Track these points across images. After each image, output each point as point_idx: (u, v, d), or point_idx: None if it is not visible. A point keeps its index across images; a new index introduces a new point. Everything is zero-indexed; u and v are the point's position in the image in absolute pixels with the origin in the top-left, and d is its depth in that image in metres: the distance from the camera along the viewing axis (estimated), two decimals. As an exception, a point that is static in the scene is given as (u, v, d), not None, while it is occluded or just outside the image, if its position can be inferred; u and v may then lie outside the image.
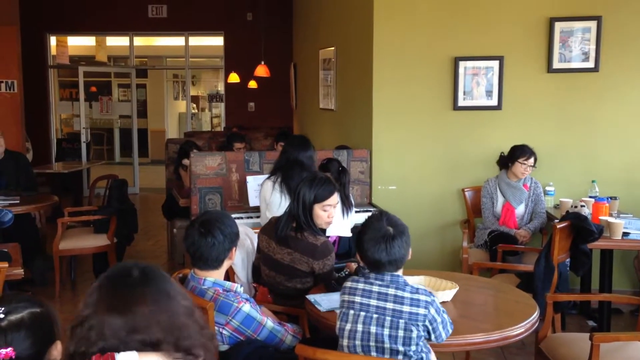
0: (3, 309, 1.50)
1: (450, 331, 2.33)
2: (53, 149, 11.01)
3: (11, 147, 6.19)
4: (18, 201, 5.16)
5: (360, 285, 2.32)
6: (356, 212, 4.35)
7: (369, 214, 4.65)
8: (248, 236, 3.65)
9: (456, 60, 4.96)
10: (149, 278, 1.57)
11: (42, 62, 10.85)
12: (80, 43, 13.03)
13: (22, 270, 3.39)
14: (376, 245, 2.27)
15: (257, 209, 4.49)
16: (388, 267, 2.29)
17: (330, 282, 3.03)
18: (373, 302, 2.27)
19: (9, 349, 1.46)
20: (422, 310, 2.22)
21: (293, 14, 9.45)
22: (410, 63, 5.02)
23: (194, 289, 2.57)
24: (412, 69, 5.03)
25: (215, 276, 2.60)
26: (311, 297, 2.86)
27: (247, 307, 2.51)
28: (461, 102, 5.01)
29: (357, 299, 2.30)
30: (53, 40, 11.15)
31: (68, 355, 1.51)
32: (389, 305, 2.24)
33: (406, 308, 2.22)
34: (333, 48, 6.16)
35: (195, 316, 1.61)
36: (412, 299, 2.24)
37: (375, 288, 2.28)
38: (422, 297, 2.25)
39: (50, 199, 5.55)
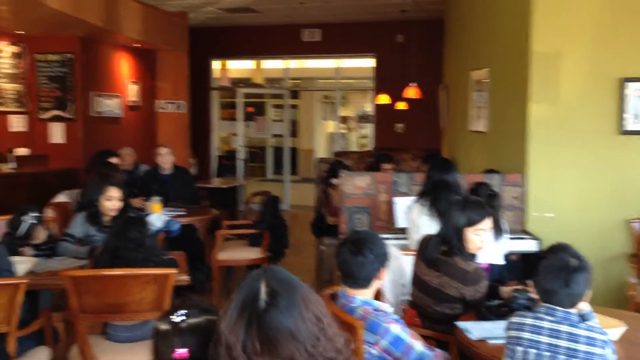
0: (184, 311, 1.61)
1: None
2: (213, 166, 11.81)
3: (178, 163, 6.73)
4: (184, 213, 5.59)
5: (529, 321, 2.21)
6: (509, 239, 4.19)
7: (522, 241, 4.53)
8: (396, 257, 3.65)
9: (623, 81, 4.63)
10: (275, 306, 1.45)
11: (206, 84, 11.73)
12: (239, 67, 13.92)
13: (188, 277, 3.65)
14: (555, 274, 2.17)
15: (404, 230, 4.48)
16: (562, 301, 2.17)
17: (481, 310, 2.94)
18: (544, 339, 2.15)
19: (184, 350, 1.56)
20: (598, 350, 2.09)
21: (444, 35, 9.37)
22: (570, 83, 4.76)
23: (344, 306, 2.62)
24: (572, 89, 4.76)
25: (364, 295, 2.63)
26: (461, 324, 2.79)
27: (396, 328, 2.51)
28: (630, 126, 4.65)
29: (526, 334, 2.19)
30: (216, 64, 12.03)
31: None
32: (562, 343, 2.12)
33: (582, 347, 2.10)
34: (486, 69, 6.02)
35: (329, 333, 1.49)
36: (588, 337, 2.11)
37: (546, 324, 2.17)
38: (598, 336, 2.12)
39: (211, 212, 5.96)
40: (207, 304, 1.68)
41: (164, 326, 1.61)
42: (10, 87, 8.35)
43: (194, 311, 1.62)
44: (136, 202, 5.30)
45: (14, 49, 8.41)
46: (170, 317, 1.60)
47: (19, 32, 8.28)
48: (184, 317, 1.59)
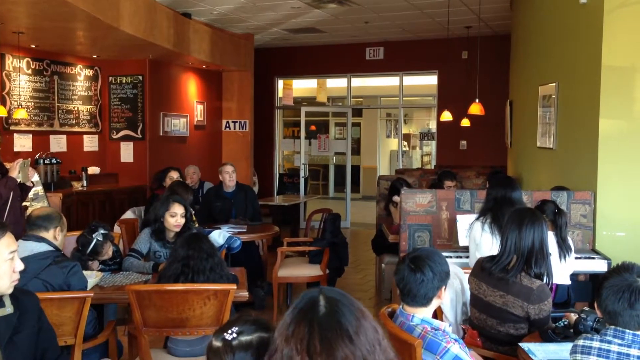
0: (236, 328, 1.61)
1: None
2: (275, 183, 11.95)
3: (241, 180, 6.84)
4: (245, 229, 5.67)
5: (596, 344, 2.11)
6: (576, 258, 4.02)
7: (591, 261, 4.34)
8: (457, 276, 3.57)
9: (702, 93, 4.39)
10: (334, 311, 1.47)
11: (270, 103, 11.93)
12: (303, 85, 14.09)
13: (248, 293, 3.68)
14: (617, 295, 2.07)
15: (466, 249, 4.38)
16: (627, 323, 2.06)
17: (546, 331, 2.83)
18: None
19: None
20: None
21: (510, 50, 9.19)
22: (644, 97, 4.55)
23: (402, 324, 2.58)
24: (646, 103, 4.55)
25: (423, 314, 2.57)
26: (525, 346, 2.69)
27: (455, 348, 2.44)
28: None
29: (593, 358, 2.10)
30: (280, 83, 12.22)
31: None
32: None
33: None
34: (554, 84, 5.85)
35: (384, 344, 1.51)
36: None
37: (614, 347, 2.06)
38: None
39: (272, 229, 6.01)
40: (262, 321, 1.67)
41: (216, 343, 1.62)
42: (84, 108, 8.76)
43: (248, 328, 1.61)
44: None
45: (89, 72, 8.83)
46: (223, 334, 1.61)
47: (94, 56, 8.69)
48: (235, 335, 1.59)
